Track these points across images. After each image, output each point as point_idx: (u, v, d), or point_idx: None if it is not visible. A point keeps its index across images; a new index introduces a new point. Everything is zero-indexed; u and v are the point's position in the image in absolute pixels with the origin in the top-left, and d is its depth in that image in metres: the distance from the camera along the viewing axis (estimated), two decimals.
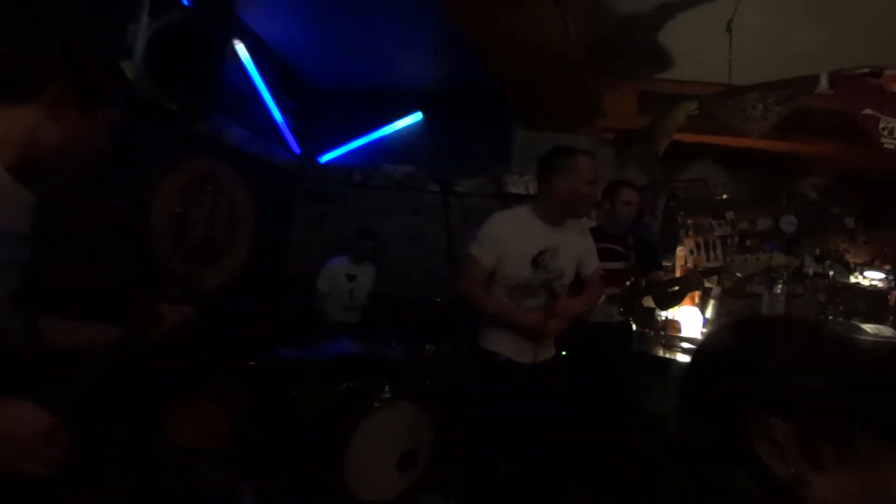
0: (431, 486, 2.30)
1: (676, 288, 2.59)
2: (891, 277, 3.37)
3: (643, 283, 2.59)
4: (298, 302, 3.49)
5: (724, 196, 3.72)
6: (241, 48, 3.16)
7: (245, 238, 3.29)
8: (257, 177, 3.47)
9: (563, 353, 2.46)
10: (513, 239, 1.86)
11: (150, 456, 1.77)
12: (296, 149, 4.04)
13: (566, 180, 1.82)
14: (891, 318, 3.28)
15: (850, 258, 3.49)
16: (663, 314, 3.51)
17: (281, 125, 3.82)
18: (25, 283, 0.86)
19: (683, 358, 3.00)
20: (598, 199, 2.53)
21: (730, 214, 3.68)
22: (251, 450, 2.17)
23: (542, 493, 2.05)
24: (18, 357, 0.88)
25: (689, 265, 3.67)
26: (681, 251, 3.72)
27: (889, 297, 3.34)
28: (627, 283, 2.52)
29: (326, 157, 4.14)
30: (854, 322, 3.17)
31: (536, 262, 1.87)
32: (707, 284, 3.32)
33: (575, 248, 1.98)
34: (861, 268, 3.45)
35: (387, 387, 2.38)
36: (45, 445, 0.72)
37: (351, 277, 3.34)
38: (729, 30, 2.42)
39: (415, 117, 4.04)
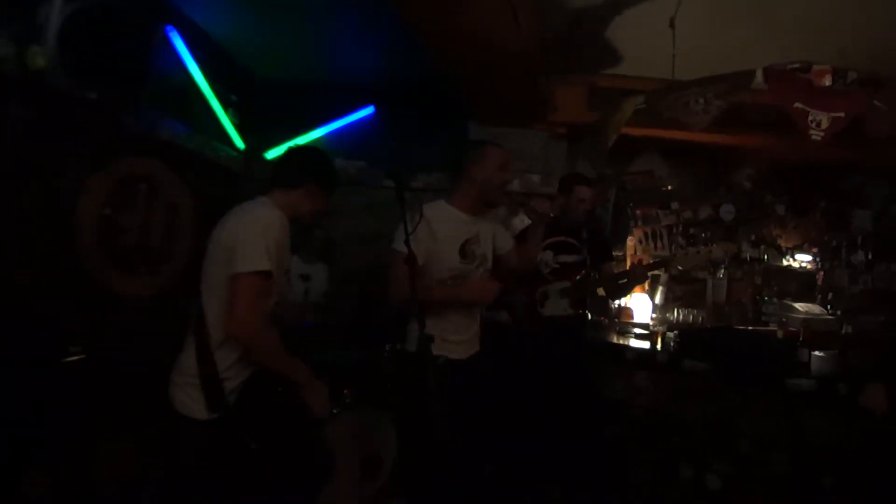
0: (398, 491, 2.24)
1: (625, 280, 2.68)
2: (818, 259, 3.64)
3: (596, 276, 2.65)
4: None
5: (669, 187, 3.88)
6: (174, 36, 2.93)
7: (185, 242, 3.05)
8: (197, 175, 3.23)
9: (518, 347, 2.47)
10: (440, 231, 1.85)
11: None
12: (239, 144, 3.82)
13: (480, 168, 1.90)
14: (819, 296, 3.54)
15: (782, 242, 3.73)
16: (616, 302, 3.62)
17: (222, 119, 3.59)
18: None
19: (636, 343, 3.10)
20: (554, 194, 2.57)
21: (674, 205, 3.84)
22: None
23: (509, 488, 2.04)
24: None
25: (639, 255, 3.80)
26: (630, 241, 3.84)
27: (817, 277, 3.61)
28: (578, 277, 2.57)
29: (273, 153, 3.94)
30: (787, 301, 3.40)
31: (464, 250, 1.90)
32: (655, 272, 3.44)
33: (487, 231, 2.01)
34: (792, 251, 3.71)
35: (346, 391, 2.29)
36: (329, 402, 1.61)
37: (305, 278, 3.20)
38: (672, 25, 2.50)
39: (366, 111, 3.92)
